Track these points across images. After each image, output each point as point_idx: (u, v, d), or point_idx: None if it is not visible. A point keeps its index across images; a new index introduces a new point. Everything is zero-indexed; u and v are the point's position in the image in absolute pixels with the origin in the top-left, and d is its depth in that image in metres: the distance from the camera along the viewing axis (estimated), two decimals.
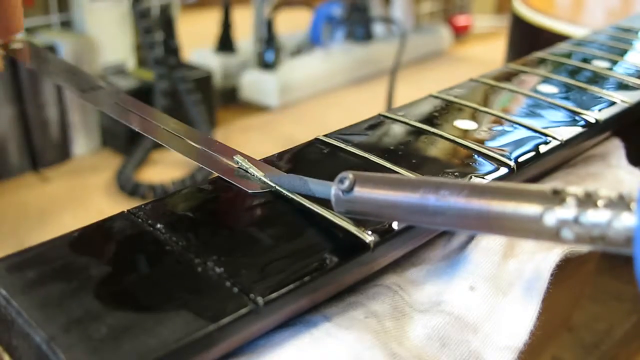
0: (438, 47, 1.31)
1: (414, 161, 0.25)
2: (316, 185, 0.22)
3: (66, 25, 0.80)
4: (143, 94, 0.79)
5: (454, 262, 0.24)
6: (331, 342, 0.19)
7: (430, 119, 0.29)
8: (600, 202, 0.16)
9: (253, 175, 0.23)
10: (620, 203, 0.16)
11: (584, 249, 0.25)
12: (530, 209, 0.17)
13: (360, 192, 0.20)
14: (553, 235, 0.16)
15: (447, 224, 0.18)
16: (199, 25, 1.23)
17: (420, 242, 0.24)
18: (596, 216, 0.16)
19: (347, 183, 0.20)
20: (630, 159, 0.32)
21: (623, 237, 0.15)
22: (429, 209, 0.18)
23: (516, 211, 0.17)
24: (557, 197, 0.16)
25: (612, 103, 0.32)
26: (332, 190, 0.20)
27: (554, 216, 0.16)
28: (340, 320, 0.20)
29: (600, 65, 0.37)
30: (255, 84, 0.98)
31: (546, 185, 0.17)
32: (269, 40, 0.97)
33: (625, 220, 0.15)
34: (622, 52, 0.40)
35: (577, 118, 0.30)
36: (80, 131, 0.79)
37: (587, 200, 0.16)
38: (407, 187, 0.19)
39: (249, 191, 0.23)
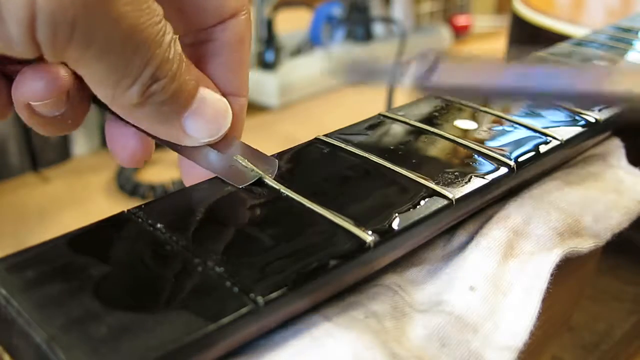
0: (438, 47, 1.31)
1: (414, 161, 0.25)
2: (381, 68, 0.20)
3: None
4: None
5: (454, 262, 0.24)
6: (331, 342, 0.19)
7: (430, 119, 0.29)
8: None
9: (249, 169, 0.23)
10: None
11: (584, 249, 0.25)
12: None
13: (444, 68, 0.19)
14: None
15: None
16: None
17: (420, 242, 0.24)
18: None
19: (430, 59, 0.19)
20: (630, 159, 0.32)
21: None
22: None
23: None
24: None
25: None
26: (413, 68, 0.19)
27: None
28: (340, 320, 0.20)
29: (600, 64, 0.37)
30: (256, 84, 0.98)
31: None
32: (269, 40, 0.97)
33: None
34: (623, 52, 0.40)
35: (577, 118, 0.30)
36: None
37: None
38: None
39: (239, 186, 0.23)
